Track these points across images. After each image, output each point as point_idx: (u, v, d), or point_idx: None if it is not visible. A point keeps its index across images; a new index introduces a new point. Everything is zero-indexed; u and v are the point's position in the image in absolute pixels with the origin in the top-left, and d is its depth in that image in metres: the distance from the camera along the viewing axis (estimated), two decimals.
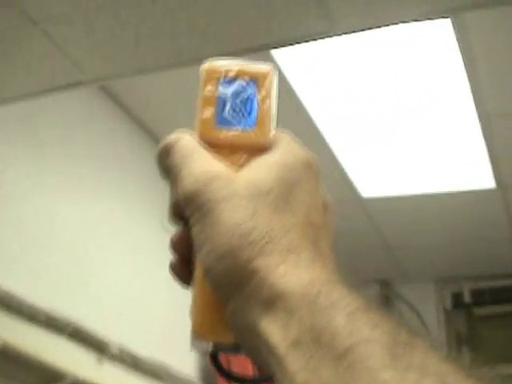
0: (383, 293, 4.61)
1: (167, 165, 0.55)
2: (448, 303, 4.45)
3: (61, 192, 2.73)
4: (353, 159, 3.47)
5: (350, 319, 0.44)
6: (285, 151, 0.54)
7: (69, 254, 2.69)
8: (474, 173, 3.47)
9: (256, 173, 0.52)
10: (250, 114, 0.55)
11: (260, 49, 1.73)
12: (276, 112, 0.57)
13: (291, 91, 2.98)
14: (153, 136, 3.22)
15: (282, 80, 2.93)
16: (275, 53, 2.61)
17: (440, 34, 2.65)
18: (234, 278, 0.49)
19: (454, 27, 2.61)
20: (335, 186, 3.62)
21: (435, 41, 2.69)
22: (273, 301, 0.47)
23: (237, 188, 0.51)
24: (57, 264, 2.61)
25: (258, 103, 0.56)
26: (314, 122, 3.19)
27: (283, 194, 0.51)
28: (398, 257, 4.34)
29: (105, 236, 2.91)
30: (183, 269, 0.55)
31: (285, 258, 0.48)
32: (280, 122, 0.59)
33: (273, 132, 0.56)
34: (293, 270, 0.48)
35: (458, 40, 2.69)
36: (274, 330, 0.46)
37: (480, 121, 3.07)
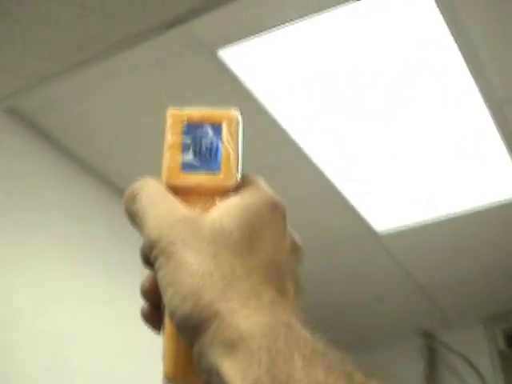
0: (426, 344, 4.21)
1: (133, 211, 0.56)
2: (500, 343, 4.09)
3: (11, 259, 2.33)
4: (358, 191, 3.07)
5: (307, 362, 0.45)
6: (250, 193, 0.55)
7: (28, 334, 2.27)
8: (497, 182, 3.04)
9: (219, 215, 0.53)
10: (215, 157, 0.56)
11: (182, 20, 1.36)
12: (241, 155, 0.57)
13: (271, 119, 2.61)
14: (115, 188, 2.88)
15: (259, 108, 2.58)
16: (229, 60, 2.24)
17: (423, 9, 2.27)
18: (197, 321, 0.49)
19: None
20: (344, 224, 3.23)
21: (419, 20, 2.31)
22: (234, 343, 0.47)
23: (200, 230, 0.52)
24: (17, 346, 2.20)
25: (222, 147, 0.57)
26: (306, 153, 2.82)
27: (246, 235, 0.53)
28: (434, 299, 3.93)
29: (71, 307, 2.49)
30: (154, 315, 0.55)
31: (246, 301, 0.49)
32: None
33: (239, 175, 0.57)
34: (254, 313, 0.48)
35: (445, 21, 2.32)
36: (234, 373, 0.46)
37: (492, 114, 2.66)
